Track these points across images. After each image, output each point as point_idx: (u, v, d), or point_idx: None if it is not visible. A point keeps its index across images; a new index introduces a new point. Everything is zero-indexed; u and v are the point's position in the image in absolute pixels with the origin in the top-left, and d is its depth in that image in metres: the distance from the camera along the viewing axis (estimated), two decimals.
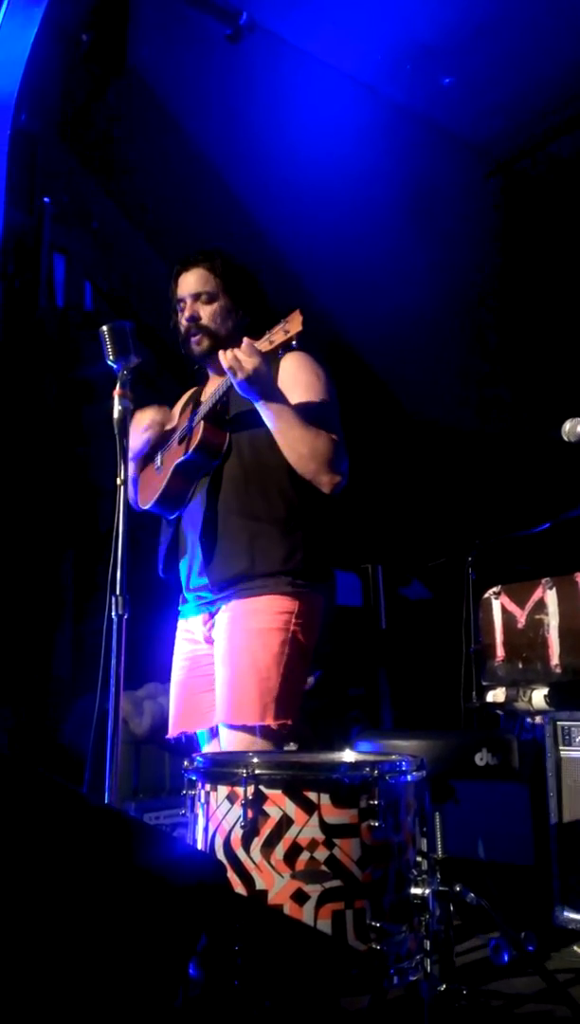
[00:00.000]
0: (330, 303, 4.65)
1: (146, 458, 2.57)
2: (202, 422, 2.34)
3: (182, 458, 2.36)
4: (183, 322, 2.44)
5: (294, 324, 2.12)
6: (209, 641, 2.36)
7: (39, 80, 4.01)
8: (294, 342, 2.14)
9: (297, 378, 2.32)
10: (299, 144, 4.48)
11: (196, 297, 2.43)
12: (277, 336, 2.15)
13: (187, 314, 2.43)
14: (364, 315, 4.87)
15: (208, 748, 2.34)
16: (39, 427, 4.17)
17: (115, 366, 2.17)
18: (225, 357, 2.18)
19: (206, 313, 2.43)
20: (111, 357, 2.16)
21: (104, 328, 2.17)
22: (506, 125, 5.07)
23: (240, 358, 2.15)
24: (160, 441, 2.56)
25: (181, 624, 2.47)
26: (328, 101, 4.58)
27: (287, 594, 2.21)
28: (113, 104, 4.49)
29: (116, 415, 2.14)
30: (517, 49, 4.51)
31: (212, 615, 2.34)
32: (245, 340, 2.19)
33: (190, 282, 2.45)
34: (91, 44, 4.20)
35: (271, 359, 2.26)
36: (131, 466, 2.49)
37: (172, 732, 2.39)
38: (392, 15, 4.30)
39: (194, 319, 2.42)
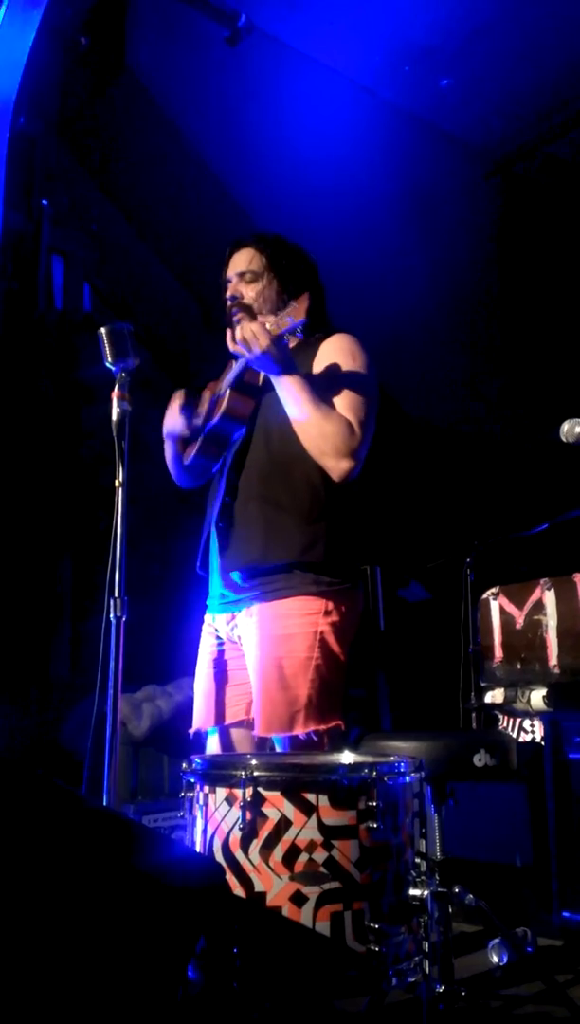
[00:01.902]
0: (329, 304, 4.65)
1: (183, 440, 2.50)
2: (229, 390, 2.30)
3: (211, 424, 2.32)
4: (227, 303, 2.38)
5: (298, 313, 2.06)
6: (232, 640, 2.31)
7: (38, 82, 4.01)
8: (299, 331, 2.11)
9: (329, 360, 2.25)
10: (298, 146, 4.48)
11: (241, 276, 2.37)
12: (284, 322, 2.10)
13: (229, 293, 2.37)
14: (362, 316, 4.82)
15: (210, 748, 2.31)
16: (38, 429, 4.18)
17: (114, 368, 2.18)
18: (243, 328, 2.11)
19: (249, 292, 2.35)
20: (110, 359, 2.16)
21: (103, 330, 2.17)
22: (504, 127, 5.08)
23: (254, 334, 2.08)
24: (195, 419, 2.49)
25: (206, 618, 2.40)
26: (327, 103, 4.59)
27: (313, 594, 2.12)
28: (112, 106, 4.50)
29: (115, 417, 2.15)
30: (515, 51, 4.52)
31: (234, 615, 2.29)
32: (259, 319, 2.17)
33: (236, 262, 2.40)
34: (89, 46, 4.21)
35: (311, 343, 2.26)
36: (168, 444, 2.51)
37: (193, 727, 2.35)
38: (390, 17, 4.31)
39: (236, 298, 2.36)
